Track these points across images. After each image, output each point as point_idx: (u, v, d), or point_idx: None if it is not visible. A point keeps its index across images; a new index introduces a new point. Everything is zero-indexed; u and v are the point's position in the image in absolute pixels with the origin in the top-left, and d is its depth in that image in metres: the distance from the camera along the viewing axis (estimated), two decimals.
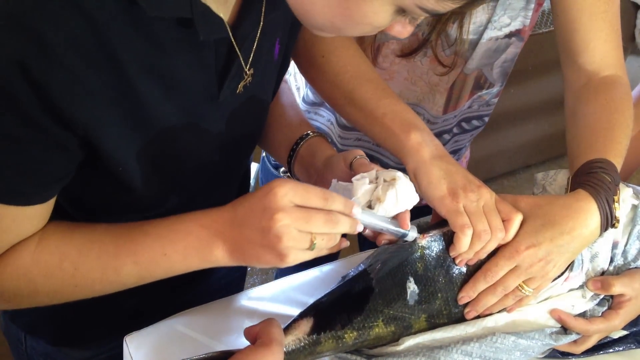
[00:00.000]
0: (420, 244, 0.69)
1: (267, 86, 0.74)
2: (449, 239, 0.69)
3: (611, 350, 0.78)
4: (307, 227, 0.57)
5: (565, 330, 0.74)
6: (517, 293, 0.70)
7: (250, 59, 0.63)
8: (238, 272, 1.06)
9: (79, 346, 0.85)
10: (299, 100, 1.06)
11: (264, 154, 1.20)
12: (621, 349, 0.78)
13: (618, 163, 0.74)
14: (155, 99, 0.57)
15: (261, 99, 0.73)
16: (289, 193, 0.57)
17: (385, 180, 0.65)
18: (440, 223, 0.71)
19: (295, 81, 1.09)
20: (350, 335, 0.66)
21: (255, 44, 0.63)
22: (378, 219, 0.65)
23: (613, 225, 0.71)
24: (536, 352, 0.72)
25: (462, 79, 0.95)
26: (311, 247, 0.58)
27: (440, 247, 0.70)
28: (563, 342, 0.73)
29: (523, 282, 0.69)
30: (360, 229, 0.62)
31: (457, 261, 0.69)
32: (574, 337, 0.74)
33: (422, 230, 0.71)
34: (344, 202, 0.60)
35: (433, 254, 0.69)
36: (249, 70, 0.64)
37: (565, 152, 0.82)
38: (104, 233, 0.62)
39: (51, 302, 0.63)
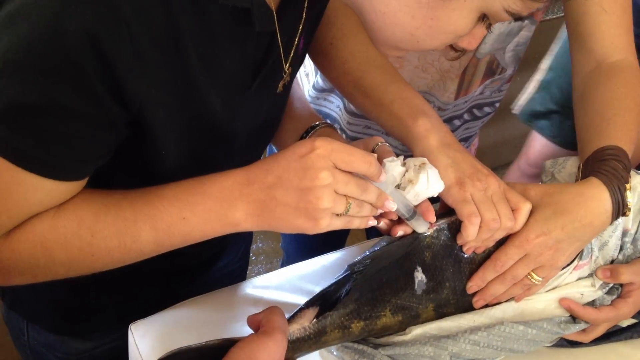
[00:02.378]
0: (428, 233, 0.68)
1: (290, 79, 0.73)
2: (457, 228, 0.68)
3: (621, 339, 0.77)
4: (346, 189, 0.57)
5: (574, 319, 0.74)
6: (526, 282, 0.69)
7: (291, 56, 0.63)
8: (240, 262, 1.05)
9: (81, 336, 0.84)
10: (309, 87, 1.06)
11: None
12: (630, 337, 0.77)
13: (629, 150, 0.72)
14: (203, 86, 0.57)
15: (285, 92, 0.72)
16: (332, 153, 0.56)
17: (415, 165, 0.65)
18: (449, 212, 0.70)
19: (304, 67, 1.08)
20: (357, 325, 0.66)
21: (296, 40, 0.63)
22: (406, 201, 0.64)
23: (624, 214, 0.70)
24: (544, 341, 0.72)
25: (475, 63, 0.94)
26: (345, 210, 0.57)
27: (448, 236, 0.69)
28: (571, 331, 0.73)
29: (532, 270, 0.68)
30: (389, 206, 0.61)
31: (464, 249, 0.68)
32: (582, 325, 0.73)
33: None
34: (381, 170, 0.59)
35: (441, 243, 0.69)
36: (287, 68, 0.63)
37: None
38: (121, 197, 0.60)
39: (67, 273, 0.61)
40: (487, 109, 1.04)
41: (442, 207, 0.74)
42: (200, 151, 0.64)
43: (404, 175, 0.65)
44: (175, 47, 0.52)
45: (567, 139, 1.64)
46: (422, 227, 0.67)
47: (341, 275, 0.67)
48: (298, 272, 0.83)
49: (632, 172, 0.76)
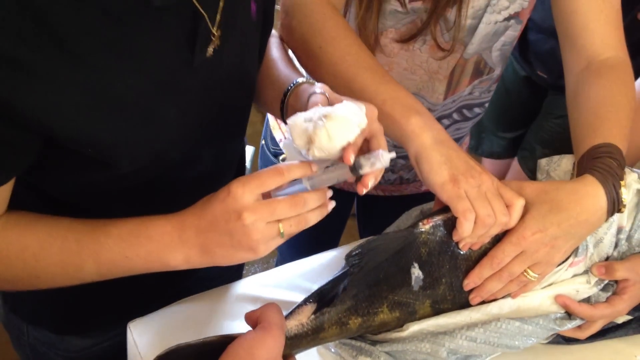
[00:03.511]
0: (424, 230, 0.69)
1: (248, 50, 0.71)
2: (453, 225, 0.68)
3: (616, 335, 0.78)
4: (274, 217, 0.57)
5: (569, 315, 0.74)
6: (522, 278, 0.70)
7: (217, 20, 0.61)
8: None
9: (82, 334, 0.84)
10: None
11: (263, 142, 1.19)
12: (625, 334, 0.78)
13: (623, 147, 0.73)
14: (120, 74, 0.55)
15: (243, 65, 0.70)
16: (245, 190, 0.57)
17: (322, 119, 0.58)
18: (444, 209, 0.70)
19: None
20: (355, 321, 0.66)
21: (222, 3, 0.61)
22: (325, 170, 0.60)
23: (619, 210, 0.70)
24: (540, 337, 0.72)
25: (462, 64, 0.94)
26: (280, 233, 0.58)
27: (444, 232, 0.69)
28: (567, 328, 0.73)
29: (528, 267, 0.69)
30: (330, 194, 0.60)
31: (460, 245, 0.69)
32: (578, 322, 0.73)
33: (426, 216, 0.71)
34: (300, 166, 0.58)
35: (437, 240, 0.69)
36: (216, 31, 0.61)
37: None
38: (67, 228, 0.61)
39: (14, 288, 0.63)
40: (477, 110, 1.05)
41: (437, 204, 0.75)
42: (150, 138, 0.62)
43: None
44: (54, 43, 0.50)
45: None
46: (344, 174, 0.60)
47: (338, 272, 0.68)
48: (295, 270, 0.83)
49: (627, 170, 0.76)
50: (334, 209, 0.61)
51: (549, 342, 0.76)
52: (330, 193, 0.60)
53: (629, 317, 0.78)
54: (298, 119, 0.59)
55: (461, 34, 0.88)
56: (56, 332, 0.83)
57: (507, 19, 0.88)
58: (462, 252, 0.69)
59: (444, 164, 0.67)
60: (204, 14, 0.59)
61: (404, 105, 0.73)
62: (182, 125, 0.65)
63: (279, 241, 0.59)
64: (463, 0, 0.84)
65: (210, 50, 0.62)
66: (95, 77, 0.53)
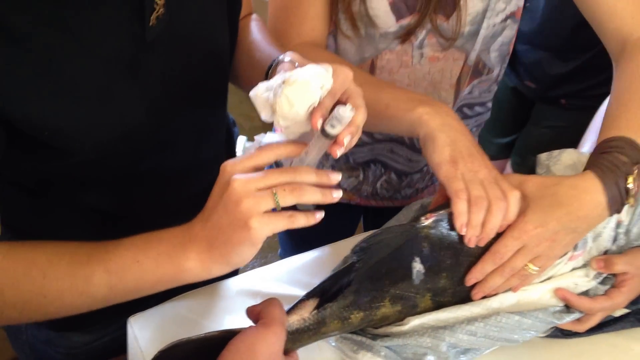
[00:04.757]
0: (425, 224, 0.69)
1: (208, 20, 0.69)
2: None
3: (614, 329, 0.78)
4: (265, 181, 0.54)
5: (568, 309, 0.74)
6: (523, 272, 0.70)
7: None
8: None
9: (81, 330, 0.84)
10: None
11: None
12: (623, 327, 0.78)
13: None
14: (67, 53, 0.54)
15: (204, 36, 0.68)
16: (236, 163, 0.55)
17: (280, 86, 0.55)
18: (446, 204, 0.70)
19: None
20: (357, 315, 0.66)
21: None
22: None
23: (624, 204, 0.70)
24: (540, 330, 0.73)
25: (467, 70, 0.94)
26: (275, 202, 0.54)
27: (446, 227, 0.69)
28: (566, 321, 0.73)
29: (529, 261, 0.69)
30: (335, 178, 0.57)
31: (465, 240, 0.69)
32: (577, 315, 0.74)
33: (426, 210, 0.71)
34: (285, 145, 0.57)
35: (438, 234, 0.69)
36: (159, 0, 0.59)
37: None
38: (76, 245, 0.60)
39: (20, 317, 0.60)
40: (478, 109, 1.05)
41: (437, 197, 0.75)
42: (112, 120, 0.61)
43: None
44: (1, 29, 0.49)
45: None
46: (324, 145, 0.57)
47: (339, 266, 0.68)
48: (295, 265, 0.83)
49: None
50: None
51: (547, 336, 0.76)
52: (336, 177, 0.57)
53: (627, 311, 0.78)
54: (259, 90, 0.56)
55: (461, 41, 0.88)
56: (55, 329, 0.83)
57: (504, 19, 0.89)
58: (463, 247, 0.70)
59: (448, 146, 0.69)
60: None
61: (407, 100, 0.73)
62: (145, 104, 0.63)
63: (277, 220, 0.54)
64: (460, 7, 0.84)
65: (152, 18, 0.59)
66: (41, 58, 0.53)
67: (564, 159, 0.80)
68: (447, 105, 0.73)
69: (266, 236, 0.54)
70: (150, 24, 0.60)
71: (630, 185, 0.68)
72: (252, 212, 0.53)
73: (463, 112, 1.04)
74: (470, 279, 0.70)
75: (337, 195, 0.57)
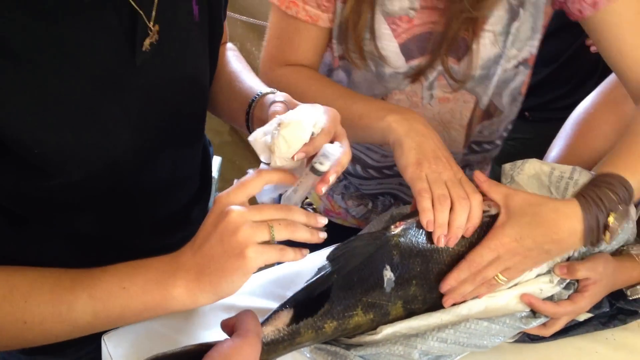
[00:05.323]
0: (395, 232, 0.71)
1: (192, 50, 0.71)
2: (422, 227, 0.71)
3: (578, 333, 0.80)
4: (261, 215, 0.56)
5: (534, 314, 0.77)
6: (492, 282, 0.72)
7: (154, 14, 0.61)
8: None
9: (54, 353, 0.82)
10: None
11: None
12: (587, 331, 0.81)
13: (638, 181, 0.73)
14: (59, 73, 0.55)
15: (187, 65, 0.70)
16: (230, 193, 0.57)
17: (277, 128, 0.59)
18: (414, 213, 0.72)
19: None
20: (330, 325, 0.67)
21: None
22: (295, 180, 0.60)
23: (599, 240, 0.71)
24: (507, 335, 0.75)
25: (479, 114, 0.96)
26: (270, 234, 0.56)
27: (414, 234, 0.71)
28: (532, 326, 0.76)
29: (499, 271, 0.71)
30: (322, 221, 0.60)
31: (435, 240, 0.71)
32: (543, 320, 0.76)
33: (395, 220, 0.73)
34: (277, 172, 0.59)
35: (407, 242, 0.71)
36: (153, 26, 0.61)
37: None
38: (59, 270, 0.59)
39: None
40: (486, 146, 1.05)
41: (414, 205, 0.77)
42: (98, 141, 0.61)
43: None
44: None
45: None
46: (313, 181, 0.61)
47: (313, 277, 0.69)
48: (269, 277, 0.84)
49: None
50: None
51: (515, 341, 0.78)
52: (323, 220, 0.60)
53: (590, 315, 0.81)
54: (258, 135, 0.60)
55: (472, 85, 0.90)
56: (27, 353, 0.81)
57: (516, 65, 0.90)
58: (433, 255, 0.71)
59: (414, 149, 0.72)
60: (140, 10, 0.59)
61: (378, 109, 0.77)
62: (130, 127, 0.64)
63: (272, 252, 0.56)
64: (472, 51, 0.85)
65: (146, 44, 0.61)
66: (34, 76, 0.53)
67: (527, 169, 0.82)
68: (416, 112, 0.77)
69: (258, 267, 0.56)
70: (144, 49, 0.61)
71: (610, 222, 0.70)
72: (248, 242, 0.55)
73: (471, 148, 1.04)
74: (445, 286, 0.71)
75: (323, 236, 0.60)
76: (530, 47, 0.89)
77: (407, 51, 0.87)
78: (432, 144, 0.73)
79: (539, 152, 0.94)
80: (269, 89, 0.75)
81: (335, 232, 0.64)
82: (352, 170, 1.05)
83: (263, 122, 0.70)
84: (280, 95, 0.69)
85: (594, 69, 1.45)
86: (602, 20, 0.80)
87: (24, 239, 0.72)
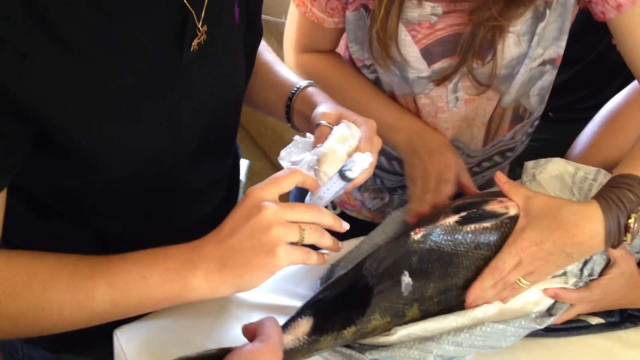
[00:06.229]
0: (415, 239, 0.70)
1: (233, 51, 0.71)
2: (444, 232, 0.70)
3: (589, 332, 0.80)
4: (294, 214, 0.57)
5: (548, 312, 0.76)
6: (515, 286, 0.72)
7: (203, 15, 0.61)
8: None
9: (78, 351, 0.82)
10: None
11: None
12: (600, 331, 0.80)
13: None
14: (109, 67, 0.55)
15: (229, 66, 0.70)
16: (263, 188, 0.58)
17: (316, 165, 0.65)
18: (435, 216, 0.71)
19: None
20: (350, 330, 0.67)
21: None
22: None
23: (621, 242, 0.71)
24: (522, 335, 0.74)
25: (500, 113, 0.95)
26: (301, 237, 0.57)
27: (435, 240, 0.70)
28: (547, 324, 0.75)
29: (521, 276, 0.71)
30: (345, 227, 0.62)
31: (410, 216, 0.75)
32: (556, 317, 0.75)
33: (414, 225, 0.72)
34: (309, 177, 0.61)
35: (427, 247, 0.70)
36: (202, 27, 0.61)
37: None
38: (79, 257, 0.59)
39: (13, 330, 0.58)
40: (508, 154, 1.04)
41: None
42: (139, 137, 0.62)
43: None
44: (50, 36, 0.50)
45: None
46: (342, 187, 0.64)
47: (326, 276, 0.68)
48: (279, 273, 0.82)
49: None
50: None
51: (527, 335, 0.77)
52: (346, 226, 0.62)
53: (603, 321, 0.80)
54: (302, 168, 0.63)
55: (496, 84, 0.89)
56: (53, 351, 0.81)
57: (542, 64, 0.88)
58: (452, 259, 0.71)
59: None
60: (191, 9, 0.59)
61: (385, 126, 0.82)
62: (172, 126, 0.64)
63: (299, 253, 0.57)
64: (496, 51, 0.84)
65: (195, 44, 0.61)
66: (84, 67, 0.53)
67: (550, 169, 0.81)
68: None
69: (284, 266, 0.57)
70: (192, 49, 0.61)
71: (631, 223, 0.69)
72: (280, 241, 0.55)
73: (505, 155, 1.03)
74: (471, 296, 0.71)
75: (341, 246, 0.63)
76: (557, 47, 0.88)
77: (428, 55, 0.86)
78: (426, 145, 0.86)
79: (559, 154, 0.93)
80: (305, 82, 0.77)
81: (350, 225, 0.63)
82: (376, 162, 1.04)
83: (305, 114, 0.75)
84: (321, 115, 0.69)
85: (620, 69, 1.42)
86: (624, 23, 0.79)
87: (49, 232, 0.72)
